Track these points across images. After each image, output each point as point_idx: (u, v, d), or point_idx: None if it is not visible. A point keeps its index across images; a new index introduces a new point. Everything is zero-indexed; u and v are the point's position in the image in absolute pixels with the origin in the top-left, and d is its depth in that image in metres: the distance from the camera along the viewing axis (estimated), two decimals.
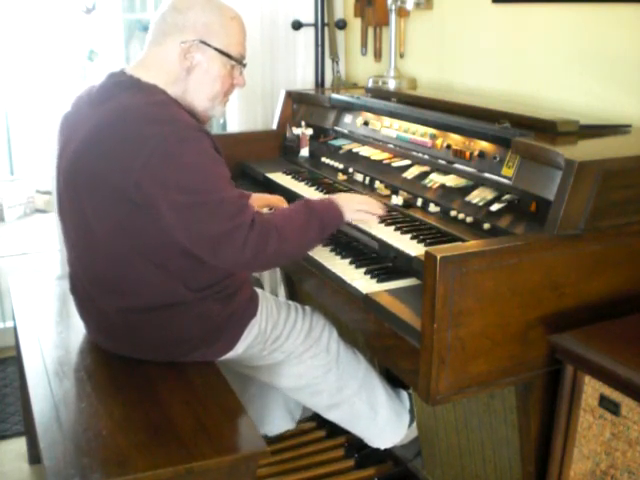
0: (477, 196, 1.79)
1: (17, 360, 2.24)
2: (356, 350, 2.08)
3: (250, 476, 1.52)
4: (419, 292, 1.44)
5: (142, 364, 1.77)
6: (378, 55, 2.98)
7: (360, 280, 1.69)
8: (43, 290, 2.25)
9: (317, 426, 2.46)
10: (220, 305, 1.77)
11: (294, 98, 2.73)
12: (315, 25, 3.01)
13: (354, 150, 2.33)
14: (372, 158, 2.23)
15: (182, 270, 1.70)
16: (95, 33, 2.95)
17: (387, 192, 2.05)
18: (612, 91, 2.03)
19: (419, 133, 2.11)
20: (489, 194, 1.77)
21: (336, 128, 2.51)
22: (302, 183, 2.31)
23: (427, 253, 1.37)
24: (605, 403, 1.35)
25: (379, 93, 2.54)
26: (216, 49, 1.73)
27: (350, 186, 2.19)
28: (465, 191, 1.84)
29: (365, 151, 2.29)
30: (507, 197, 1.71)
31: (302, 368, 1.97)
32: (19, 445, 2.51)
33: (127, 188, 1.58)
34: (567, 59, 2.15)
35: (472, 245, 1.49)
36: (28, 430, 2.41)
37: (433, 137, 2.05)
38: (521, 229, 1.61)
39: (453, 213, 1.81)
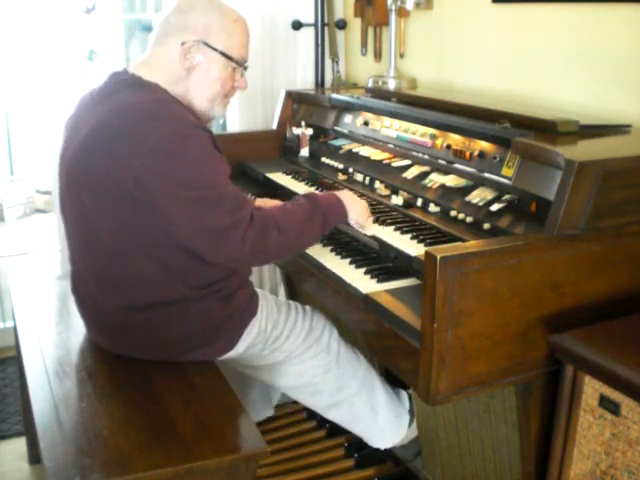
0: (477, 196, 1.79)
1: (17, 360, 2.25)
2: (356, 350, 2.08)
3: (250, 476, 1.52)
4: (419, 292, 1.44)
5: (142, 364, 1.77)
6: (378, 55, 2.98)
7: (360, 280, 1.69)
8: (43, 290, 2.25)
9: (317, 426, 2.46)
10: (220, 304, 1.77)
11: (294, 98, 2.73)
12: (315, 25, 3.01)
13: (354, 150, 2.33)
14: (372, 158, 2.23)
15: (182, 268, 1.70)
16: (95, 33, 2.95)
17: (387, 192, 2.05)
18: (612, 91, 2.03)
19: (419, 133, 2.11)
20: (489, 194, 1.77)
21: (336, 128, 2.51)
22: (302, 183, 2.31)
23: (427, 253, 1.37)
24: (605, 403, 1.35)
25: (379, 93, 2.54)
26: (217, 50, 1.74)
27: (350, 186, 2.19)
28: (465, 191, 1.84)
29: (365, 151, 2.29)
30: (507, 197, 1.71)
31: (302, 367, 1.97)
32: (19, 445, 2.51)
33: (128, 184, 1.58)
34: (567, 59, 2.15)
35: (472, 245, 1.49)
36: (28, 430, 2.41)
37: (433, 137, 2.05)
38: (521, 229, 1.61)
39: (453, 213, 1.81)
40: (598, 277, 1.52)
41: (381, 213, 1.92)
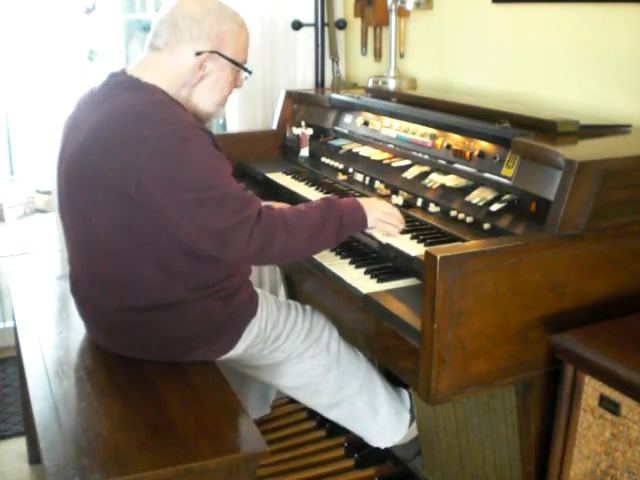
0: (477, 196, 1.79)
1: (17, 360, 2.25)
2: (357, 350, 2.08)
3: (250, 476, 1.52)
4: (419, 292, 1.44)
5: (142, 364, 1.77)
6: (378, 55, 2.98)
7: (360, 280, 1.69)
8: (43, 290, 2.25)
9: (317, 426, 2.46)
10: (220, 304, 1.77)
11: (294, 98, 2.73)
12: (315, 25, 3.01)
13: (354, 150, 2.33)
14: (372, 158, 2.23)
15: (182, 270, 1.70)
16: (95, 33, 2.95)
17: (387, 192, 2.05)
18: (612, 91, 2.03)
19: (419, 133, 2.11)
20: (489, 194, 1.77)
21: (336, 128, 2.51)
22: (302, 183, 2.31)
23: (427, 253, 1.37)
24: (605, 403, 1.35)
25: (379, 93, 2.54)
26: (228, 59, 1.76)
27: (350, 186, 2.19)
28: (465, 191, 1.84)
29: (365, 151, 2.29)
30: (507, 197, 1.71)
31: (302, 367, 1.97)
32: (19, 445, 2.51)
33: (128, 188, 1.58)
34: (567, 59, 2.15)
35: (472, 245, 1.49)
36: (28, 430, 2.41)
37: (433, 137, 2.05)
38: (521, 229, 1.61)
39: (453, 213, 1.81)
40: (598, 277, 1.52)
41: None
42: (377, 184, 2.12)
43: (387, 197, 2.03)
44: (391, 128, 2.25)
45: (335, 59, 3.06)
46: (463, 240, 1.65)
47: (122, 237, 1.66)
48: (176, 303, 1.72)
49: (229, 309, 1.78)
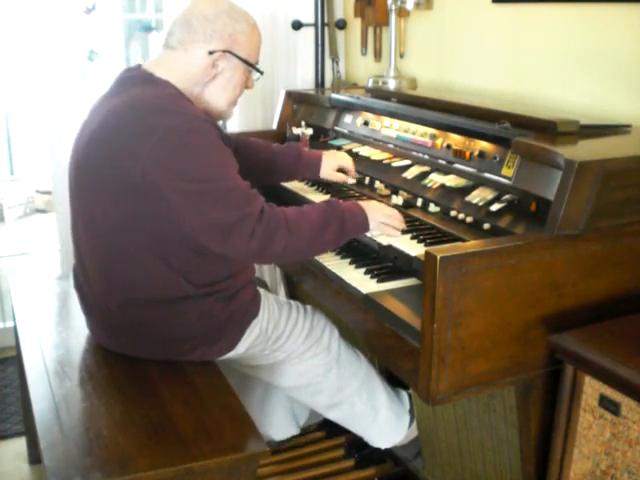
0: (477, 196, 1.79)
1: (17, 360, 2.25)
2: (357, 350, 2.09)
3: (250, 476, 1.52)
4: (419, 292, 1.44)
5: (142, 364, 1.77)
6: (378, 55, 2.98)
7: (360, 280, 1.69)
8: (43, 290, 2.25)
9: (317, 426, 2.46)
10: (222, 304, 1.77)
11: (294, 98, 2.73)
12: (315, 25, 3.01)
13: (354, 150, 2.33)
14: (372, 158, 2.23)
15: (185, 265, 1.70)
16: (95, 33, 2.95)
17: (387, 192, 2.05)
18: (612, 91, 2.03)
19: (419, 133, 2.11)
20: (489, 194, 1.77)
21: (336, 128, 2.51)
22: (302, 183, 2.31)
23: (427, 253, 1.37)
24: (605, 403, 1.35)
25: (379, 93, 2.54)
26: (241, 59, 1.78)
27: (350, 186, 2.19)
28: (465, 191, 1.84)
29: (365, 151, 2.29)
30: (507, 197, 1.71)
31: (303, 367, 1.97)
32: (19, 445, 2.51)
33: (134, 176, 1.59)
34: (567, 59, 2.16)
35: (472, 245, 1.49)
36: (28, 430, 2.41)
37: (433, 137, 2.05)
38: (521, 229, 1.61)
39: (453, 213, 1.81)
40: (598, 277, 1.52)
41: None
42: (377, 184, 2.12)
43: (387, 197, 2.03)
44: (391, 128, 2.25)
45: (335, 59, 3.06)
46: (463, 240, 1.65)
47: (127, 230, 1.67)
48: (178, 299, 1.72)
49: (231, 309, 1.78)
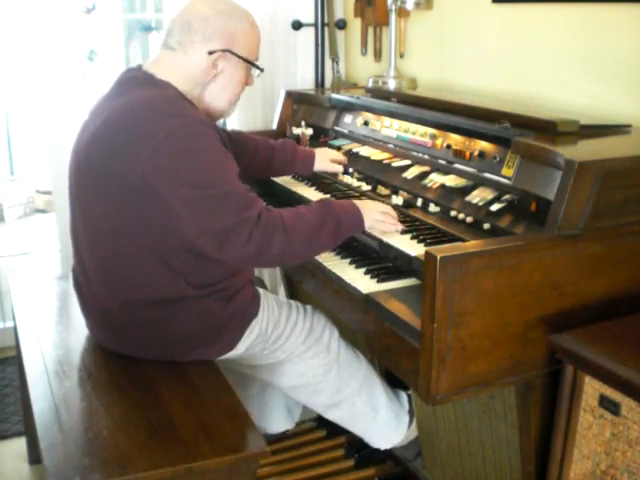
0: (477, 196, 1.79)
1: (17, 360, 2.25)
2: (357, 350, 2.08)
3: (250, 476, 1.52)
4: (419, 292, 1.44)
5: (142, 364, 1.77)
6: (378, 55, 2.98)
7: (360, 280, 1.69)
8: (43, 290, 2.25)
9: (317, 426, 2.46)
10: (222, 304, 1.77)
11: (294, 98, 2.73)
12: (315, 25, 3.01)
13: (354, 150, 2.33)
14: (372, 158, 2.23)
15: (184, 266, 1.70)
16: (95, 33, 2.95)
17: (387, 192, 2.05)
18: (612, 91, 2.03)
19: (419, 133, 2.11)
20: (489, 194, 1.77)
21: (336, 128, 2.51)
22: (302, 183, 2.31)
23: (427, 253, 1.37)
24: (605, 403, 1.35)
25: (379, 93, 2.54)
26: (241, 57, 1.78)
27: (350, 186, 2.19)
28: (465, 191, 1.84)
29: (365, 151, 2.29)
30: (507, 197, 1.71)
31: (303, 367, 1.97)
32: (19, 445, 2.51)
33: (133, 179, 1.59)
34: (567, 59, 2.15)
35: (472, 245, 1.49)
36: (28, 430, 2.41)
37: (433, 137, 2.05)
38: (521, 229, 1.61)
39: (453, 213, 1.81)
40: (598, 277, 1.52)
41: None
42: (377, 184, 2.12)
43: (387, 197, 2.03)
44: (391, 128, 2.25)
45: (335, 59, 3.06)
46: (463, 240, 1.65)
47: (126, 230, 1.67)
48: (178, 299, 1.72)
49: (231, 309, 1.78)
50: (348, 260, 1.81)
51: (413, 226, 1.82)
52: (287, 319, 1.94)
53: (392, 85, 2.63)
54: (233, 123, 3.08)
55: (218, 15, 1.74)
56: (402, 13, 2.71)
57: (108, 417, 1.58)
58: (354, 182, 2.18)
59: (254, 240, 1.60)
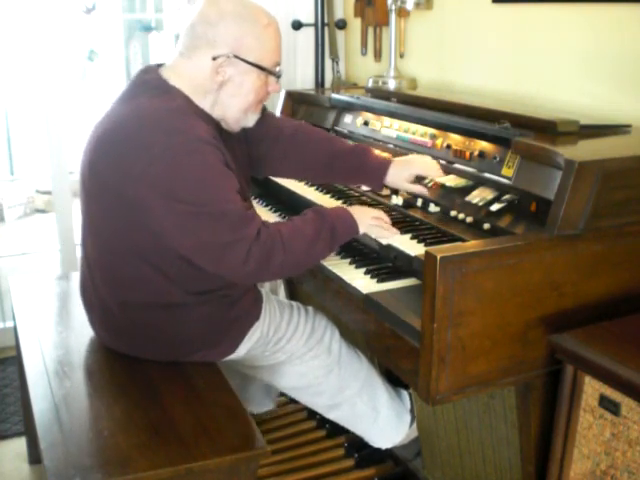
0: (477, 196, 1.78)
1: (17, 360, 2.25)
2: (358, 350, 2.08)
3: (250, 476, 1.52)
4: (419, 292, 1.44)
5: (143, 364, 1.77)
6: (378, 55, 2.98)
7: (360, 280, 1.69)
8: (43, 290, 2.25)
9: (317, 426, 2.46)
10: (224, 309, 1.76)
11: (294, 98, 2.73)
12: (315, 25, 3.01)
13: None
14: None
15: (181, 275, 1.69)
16: (95, 33, 2.96)
17: (387, 192, 2.05)
18: (612, 91, 2.03)
19: (419, 133, 2.11)
20: (489, 194, 1.76)
21: (336, 128, 2.51)
22: (302, 183, 2.31)
23: (427, 253, 1.37)
24: (605, 403, 1.35)
25: (379, 93, 2.54)
26: (249, 62, 1.67)
27: (349, 186, 2.19)
28: (465, 191, 1.84)
29: None
30: (507, 197, 1.71)
31: (304, 368, 1.97)
32: (19, 445, 2.51)
33: (126, 190, 1.58)
34: (567, 59, 2.15)
35: (472, 245, 1.49)
36: (28, 430, 2.41)
37: (433, 137, 2.05)
38: (521, 229, 1.61)
39: (453, 213, 1.81)
40: (598, 277, 1.52)
41: None
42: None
43: (387, 197, 2.03)
44: (391, 128, 2.24)
45: (335, 59, 3.06)
46: (463, 240, 1.65)
47: (122, 237, 1.66)
48: (176, 305, 1.72)
49: (233, 313, 1.78)
50: (348, 260, 1.81)
51: (413, 226, 1.82)
52: (289, 321, 1.94)
53: (392, 85, 2.63)
54: None
55: (222, 17, 1.64)
56: (402, 13, 2.71)
57: (108, 417, 1.58)
58: None
59: (253, 258, 1.58)
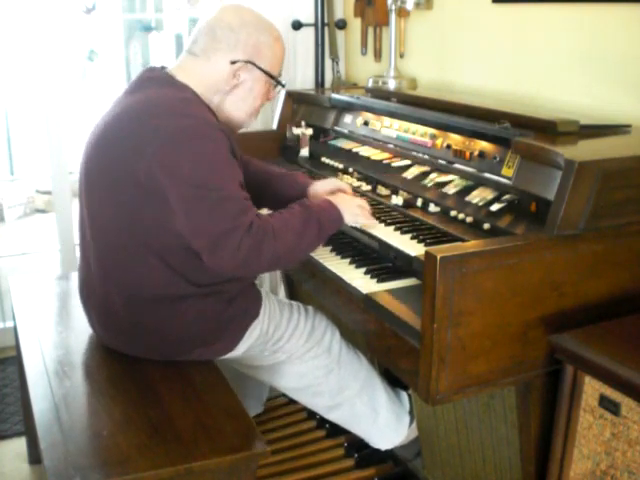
0: (477, 196, 1.79)
1: (17, 360, 2.25)
2: (357, 351, 2.08)
3: (250, 476, 1.52)
4: (419, 292, 1.44)
5: (142, 364, 1.77)
6: (378, 55, 2.98)
7: (360, 280, 1.69)
8: (43, 290, 2.25)
9: (317, 426, 2.46)
10: (223, 306, 1.77)
11: (294, 98, 2.73)
12: (315, 25, 3.01)
13: (354, 150, 2.33)
14: (372, 158, 2.23)
15: (184, 264, 1.70)
16: (95, 33, 2.96)
17: (387, 192, 2.05)
18: (612, 91, 2.03)
19: (419, 133, 2.11)
20: (489, 194, 1.77)
21: (336, 128, 2.51)
22: None
23: (427, 253, 1.37)
24: (605, 403, 1.35)
25: (379, 93, 2.54)
26: (263, 70, 1.79)
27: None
28: (465, 191, 1.84)
29: (365, 151, 2.29)
30: (507, 197, 1.71)
31: (303, 368, 1.97)
32: (19, 445, 2.51)
33: (138, 174, 1.61)
34: (567, 59, 2.16)
35: (472, 245, 1.49)
36: (28, 430, 2.41)
37: (433, 137, 2.05)
38: (521, 229, 1.61)
39: (453, 213, 1.81)
40: (598, 277, 1.52)
41: (381, 213, 1.93)
42: (377, 184, 2.12)
43: (387, 197, 2.03)
44: (391, 128, 2.25)
45: (335, 59, 3.06)
46: (463, 240, 1.65)
47: (128, 227, 1.68)
48: (179, 298, 1.72)
49: (232, 310, 1.78)
50: (348, 260, 1.81)
51: (413, 226, 1.83)
52: (288, 320, 1.94)
53: (392, 85, 2.63)
54: None
55: (244, 25, 1.76)
56: (402, 13, 2.71)
57: (108, 417, 1.58)
58: (354, 182, 2.18)
59: (243, 248, 1.60)
